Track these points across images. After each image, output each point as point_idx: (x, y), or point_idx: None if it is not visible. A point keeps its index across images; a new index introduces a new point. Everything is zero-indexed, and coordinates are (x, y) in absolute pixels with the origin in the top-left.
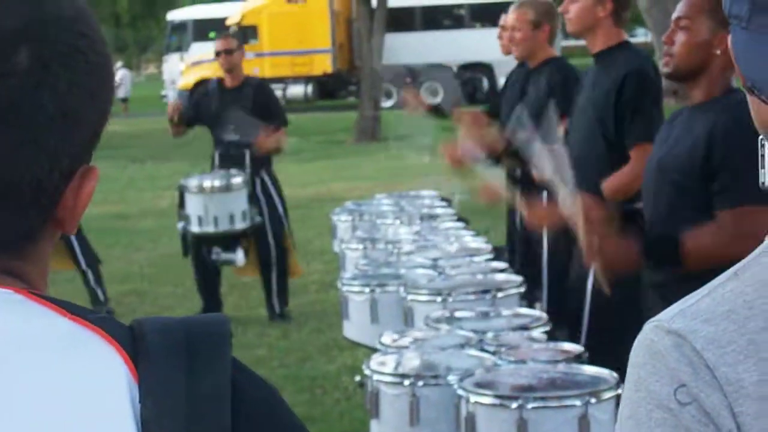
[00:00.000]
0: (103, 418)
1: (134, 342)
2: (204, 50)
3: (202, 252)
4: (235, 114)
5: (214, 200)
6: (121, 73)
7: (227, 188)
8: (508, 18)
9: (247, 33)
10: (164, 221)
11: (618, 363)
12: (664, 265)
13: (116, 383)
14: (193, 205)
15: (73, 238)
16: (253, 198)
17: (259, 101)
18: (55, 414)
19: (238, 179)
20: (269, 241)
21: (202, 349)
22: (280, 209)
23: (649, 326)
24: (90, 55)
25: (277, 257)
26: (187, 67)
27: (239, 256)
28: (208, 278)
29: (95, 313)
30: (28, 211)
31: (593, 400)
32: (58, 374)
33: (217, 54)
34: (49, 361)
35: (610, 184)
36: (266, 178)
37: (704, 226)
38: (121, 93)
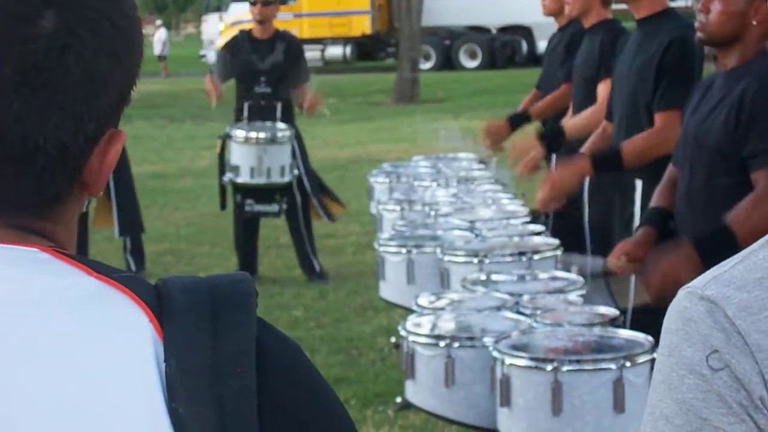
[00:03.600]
0: (129, 376)
1: (160, 301)
2: (243, 10)
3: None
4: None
5: (268, 152)
6: (161, 33)
7: (276, 140)
8: None
9: None
10: (203, 181)
11: (658, 329)
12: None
13: (142, 342)
14: (244, 156)
15: (114, 202)
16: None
17: (290, 55)
18: (80, 372)
19: (285, 132)
20: (295, 196)
21: (227, 307)
22: (302, 167)
23: (682, 292)
24: (117, 19)
25: (303, 212)
26: (226, 27)
27: (275, 207)
28: (248, 232)
29: (121, 272)
30: (54, 173)
31: (628, 364)
32: (84, 332)
33: (253, 3)
34: (75, 318)
35: (629, 145)
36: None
37: (743, 202)
38: (161, 51)
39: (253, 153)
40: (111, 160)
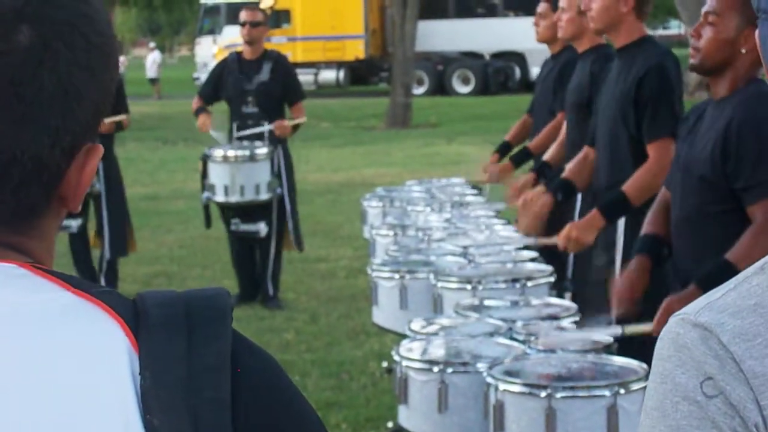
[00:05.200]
0: (104, 389)
1: (136, 315)
2: (236, 33)
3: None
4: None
5: (241, 170)
6: (155, 55)
7: (253, 158)
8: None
9: (280, 17)
10: (195, 203)
11: (642, 355)
12: None
13: (117, 355)
14: (219, 174)
15: (106, 222)
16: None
17: (277, 74)
18: (54, 386)
19: (262, 149)
20: (272, 217)
21: (202, 321)
22: (285, 188)
23: (674, 319)
24: (91, 35)
25: (277, 236)
26: (220, 50)
27: (261, 227)
28: (243, 253)
29: (99, 287)
30: (31, 187)
31: (622, 391)
32: (59, 346)
33: (242, 24)
34: (50, 333)
35: (632, 186)
36: (281, 156)
37: (743, 237)
38: (155, 74)
39: (226, 171)
40: (88, 175)
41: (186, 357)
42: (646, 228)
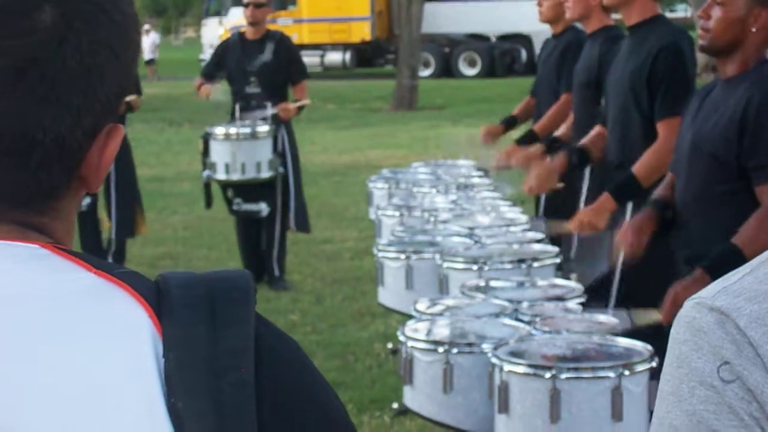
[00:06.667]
0: (128, 371)
1: (159, 297)
2: (242, 15)
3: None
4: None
5: (242, 147)
6: (152, 36)
7: (254, 135)
8: None
9: None
10: (200, 185)
11: (648, 335)
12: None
13: (140, 337)
14: (220, 152)
15: (114, 204)
16: (274, 149)
17: (280, 54)
18: (78, 368)
19: (264, 127)
20: (276, 196)
21: (225, 302)
22: (291, 168)
23: (690, 303)
24: (113, 13)
25: (281, 216)
26: (226, 32)
27: (262, 206)
28: (248, 233)
29: (121, 269)
30: (52, 167)
31: (626, 372)
32: (82, 328)
33: (246, 5)
34: (73, 314)
35: (642, 166)
36: (284, 135)
37: (750, 220)
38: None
39: (227, 149)
40: (109, 155)
41: (209, 339)
42: (653, 196)
